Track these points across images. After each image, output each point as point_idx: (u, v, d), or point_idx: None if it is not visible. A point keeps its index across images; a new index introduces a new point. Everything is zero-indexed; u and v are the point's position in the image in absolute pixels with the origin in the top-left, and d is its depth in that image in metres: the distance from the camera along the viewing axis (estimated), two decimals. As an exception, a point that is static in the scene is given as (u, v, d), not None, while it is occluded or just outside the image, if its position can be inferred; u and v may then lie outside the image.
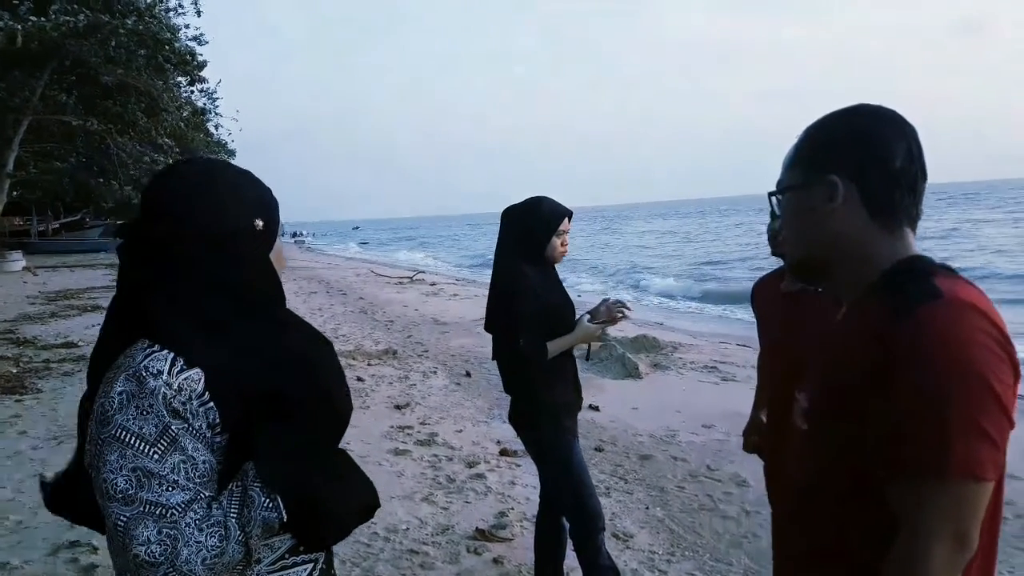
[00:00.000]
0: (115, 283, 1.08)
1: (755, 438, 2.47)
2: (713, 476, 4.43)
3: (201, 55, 21.78)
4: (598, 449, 4.91)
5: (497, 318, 2.55)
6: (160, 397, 0.95)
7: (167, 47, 19.83)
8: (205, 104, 25.39)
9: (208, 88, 24.03)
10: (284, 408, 1.04)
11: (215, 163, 1.12)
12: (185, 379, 0.98)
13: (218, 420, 1.00)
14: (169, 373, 0.97)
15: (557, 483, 2.58)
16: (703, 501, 4.05)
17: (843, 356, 0.94)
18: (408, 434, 5.28)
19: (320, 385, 1.09)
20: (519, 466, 4.57)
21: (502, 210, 2.63)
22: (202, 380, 0.99)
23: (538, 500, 3.98)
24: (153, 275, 1.03)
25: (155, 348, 0.99)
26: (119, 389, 0.96)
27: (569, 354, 2.57)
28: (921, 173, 0.99)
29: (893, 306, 0.88)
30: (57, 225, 38.36)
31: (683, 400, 6.14)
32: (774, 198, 1.10)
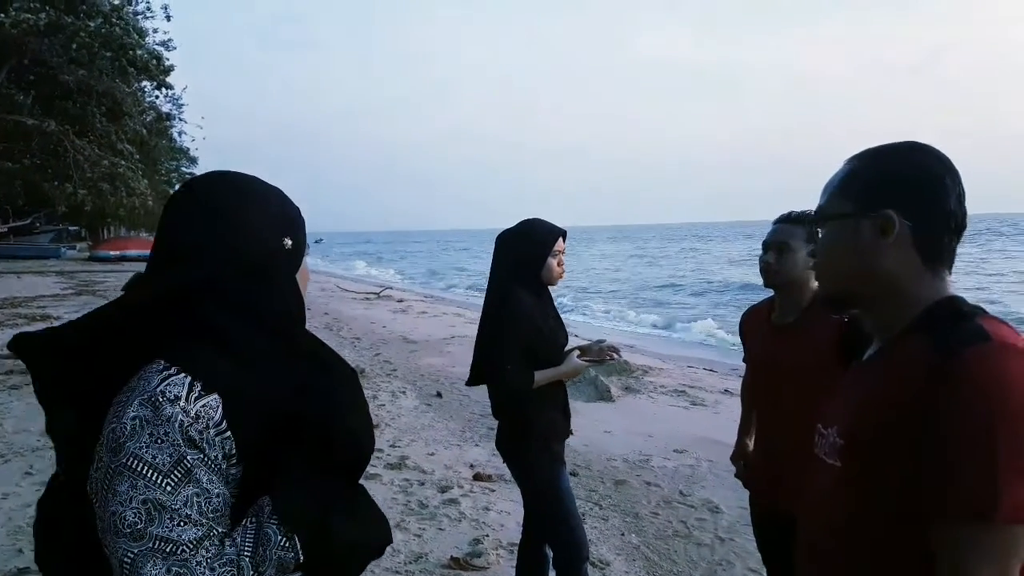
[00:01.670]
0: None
1: (742, 464, 2.48)
2: (686, 502, 4.44)
3: (168, 60, 21.41)
4: (573, 473, 4.87)
5: (490, 343, 2.52)
6: (177, 425, 0.89)
7: (132, 51, 19.44)
8: (170, 110, 24.92)
9: (174, 94, 23.59)
10: (304, 440, 0.99)
11: (243, 178, 1.06)
12: (203, 406, 0.92)
13: (234, 450, 0.94)
14: (187, 399, 0.91)
15: (543, 511, 2.54)
16: (677, 527, 4.04)
17: (884, 394, 0.93)
18: (377, 456, 5.16)
19: (343, 418, 1.04)
20: (493, 491, 4.51)
21: (496, 235, 2.61)
22: (220, 407, 0.93)
23: (513, 526, 3.95)
24: (174, 294, 0.97)
25: (172, 371, 0.93)
26: (132, 414, 0.89)
27: (559, 380, 2.55)
28: (965, 217, 0.99)
29: (940, 347, 0.88)
30: (5, 229, 36.95)
31: (655, 424, 6.15)
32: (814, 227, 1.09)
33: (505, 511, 4.17)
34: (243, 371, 0.97)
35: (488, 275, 2.60)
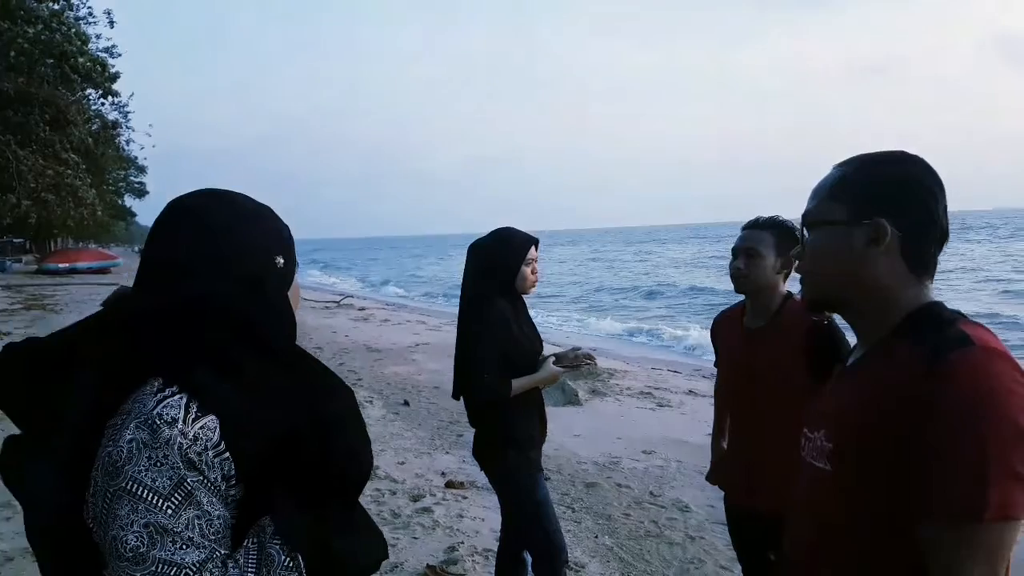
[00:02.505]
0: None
1: (717, 466, 2.52)
2: (656, 502, 4.51)
3: (114, 67, 20.79)
4: (545, 478, 4.90)
5: (466, 352, 2.53)
6: (176, 447, 0.88)
7: (74, 58, 18.82)
8: (117, 118, 24.20)
9: (120, 101, 22.91)
10: (304, 460, 0.99)
11: (236, 196, 1.05)
12: (201, 427, 0.91)
13: (233, 471, 0.93)
14: (184, 421, 0.90)
15: (522, 517, 2.56)
16: (649, 528, 4.10)
17: (871, 399, 0.96)
18: (347, 467, 5.11)
19: (343, 436, 1.04)
20: (466, 498, 4.51)
21: (468, 245, 2.62)
22: (217, 428, 0.92)
23: (488, 532, 3.95)
24: (162, 316, 0.96)
25: (167, 392, 0.92)
26: (129, 437, 0.88)
27: (536, 387, 2.57)
28: (947, 227, 1.03)
29: (926, 352, 0.91)
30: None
31: (623, 426, 6.23)
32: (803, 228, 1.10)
33: (479, 518, 4.17)
34: (240, 391, 0.96)
35: (461, 284, 2.61)
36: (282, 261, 1.04)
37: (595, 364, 2.73)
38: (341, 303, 19.08)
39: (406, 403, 7.01)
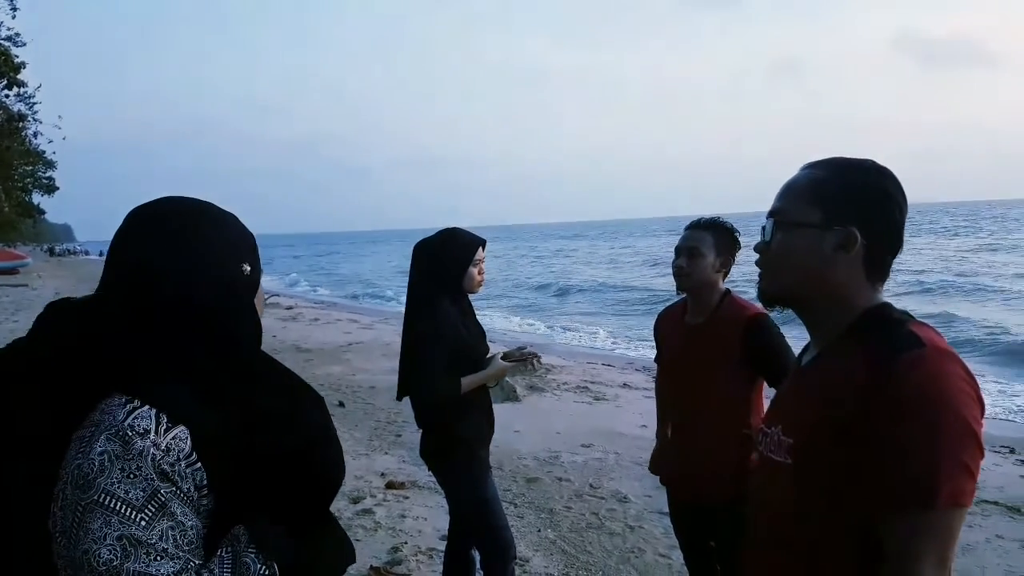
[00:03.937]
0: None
1: (658, 459, 2.59)
2: (596, 494, 4.62)
3: (17, 56, 19.50)
4: (488, 475, 4.95)
5: (409, 355, 2.52)
6: (149, 458, 0.87)
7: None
8: (21, 110, 22.68)
9: (26, 92, 21.49)
10: (277, 469, 0.99)
11: (201, 203, 1.04)
12: (173, 438, 0.89)
13: (205, 481, 0.92)
14: (156, 432, 0.88)
15: (472, 516, 2.58)
16: (590, 520, 4.20)
17: (829, 396, 1.02)
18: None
19: (316, 445, 1.04)
20: (407, 498, 4.49)
21: (413, 245, 2.62)
22: (188, 438, 0.91)
23: (431, 532, 3.95)
24: (130, 324, 0.94)
25: (136, 404, 0.90)
26: (100, 449, 0.86)
27: (484, 386, 2.59)
28: (903, 239, 1.10)
29: (880, 353, 0.98)
30: None
31: (561, 421, 6.33)
32: (768, 221, 1.13)
33: (422, 517, 4.17)
34: (209, 400, 0.95)
35: (408, 284, 2.61)
36: (248, 268, 1.04)
37: (540, 360, 2.80)
38: (268, 301, 18.55)
39: (341, 404, 6.90)
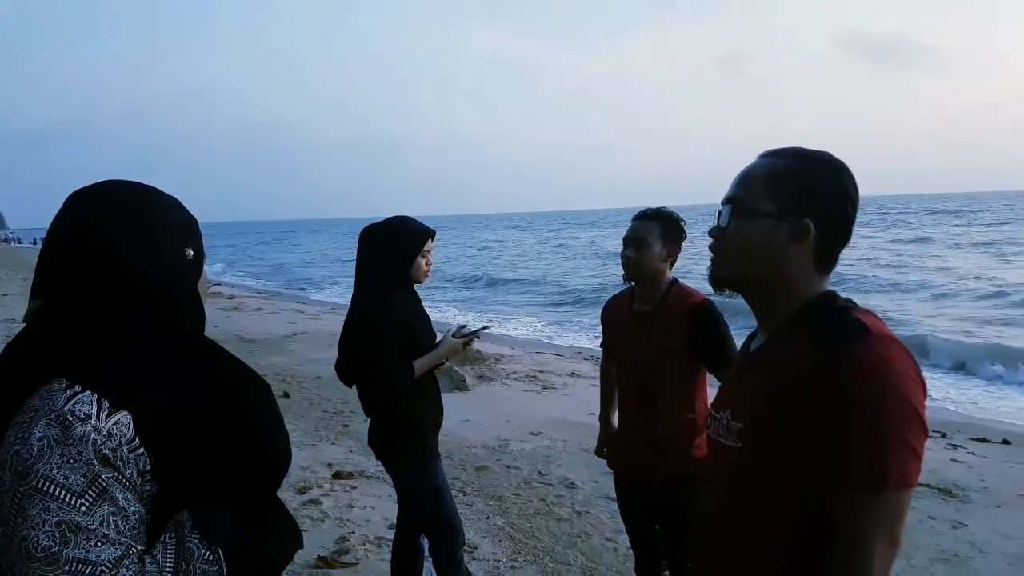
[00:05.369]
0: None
1: (605, 442, 2.65)
2: (544, 481, 4.67)
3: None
4: (436, 463, 4.95)
5: (358, 342, 2.49)
6: (90, 444, 0.84)
7: None
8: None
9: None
10: (222, 455, 0.97)
11: (144, 187, 1.01)
12: (115, 423, 0.87)
13: (148, 467, 0.90)
14: (97, 417, 0.86)
15: (422, 504, 2.58)
16: (538, 506, 4.25)
17: (777, 382, 1.05)
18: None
19: (262, 432, 1.03)
20: (355, 488, 4.45)
21: (360, 231, 2.58)
22: (131, 424, 0.89)
23: (379, 520, 3.93)
24: (73, 308, 0.91)
25: (77, 389, 0.87)
26: (40, 435, 0.84)
27: (432, 373, 2.59)
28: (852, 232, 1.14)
29: (826, 339, 1.01)
30: None
31: (510, 410, 6.37)
32: (724, 207, 1.15)
33: (369, 507, 4.14)
34: (152, 385, 0.93)
35: (355, 269, 2.57)
36: (192, 253, 1.03)
37: (489, 329, 2.80)
38: (210, 290, 18.00)
39: (286, 395, 6.77)
